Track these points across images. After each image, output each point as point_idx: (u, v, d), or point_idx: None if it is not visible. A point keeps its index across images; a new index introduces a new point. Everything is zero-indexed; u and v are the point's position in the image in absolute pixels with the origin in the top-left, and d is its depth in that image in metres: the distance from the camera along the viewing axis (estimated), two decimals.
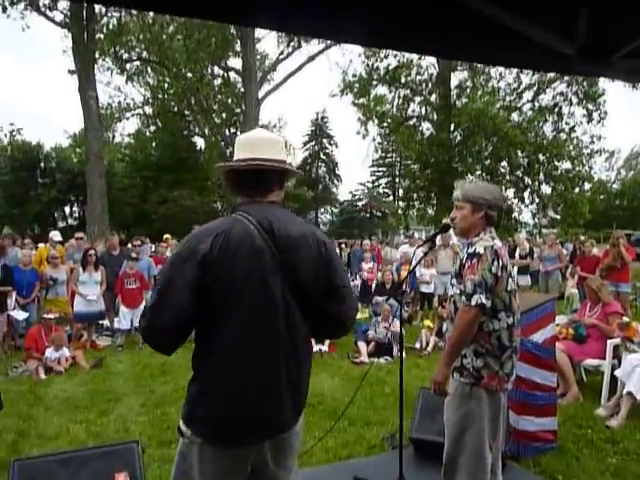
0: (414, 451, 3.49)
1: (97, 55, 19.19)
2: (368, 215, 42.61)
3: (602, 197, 40.68)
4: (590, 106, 19.61)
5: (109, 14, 18.85)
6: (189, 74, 20.16)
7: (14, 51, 67.95)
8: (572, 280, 10.02)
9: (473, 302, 2.11)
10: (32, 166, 27.31)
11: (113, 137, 28.71)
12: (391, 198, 43.86)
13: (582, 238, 17.58)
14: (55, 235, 9.54)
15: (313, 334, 1.71)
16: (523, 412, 3.37)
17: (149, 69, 22.72)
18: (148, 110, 25.65)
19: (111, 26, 18.99)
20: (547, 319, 3.53)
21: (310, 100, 71.84)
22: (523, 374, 3.34)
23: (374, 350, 6.56)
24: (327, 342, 6.87)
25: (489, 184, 2.39)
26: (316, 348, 6.72)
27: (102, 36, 18.73)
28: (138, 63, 22.35)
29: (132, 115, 25.47)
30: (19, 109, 56.70)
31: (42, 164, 27.95)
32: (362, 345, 6.61)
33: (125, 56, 21.43)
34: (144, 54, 21.61)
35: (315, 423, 4.12)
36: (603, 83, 19.03)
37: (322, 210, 45.95)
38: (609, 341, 4.61)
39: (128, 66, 22.14)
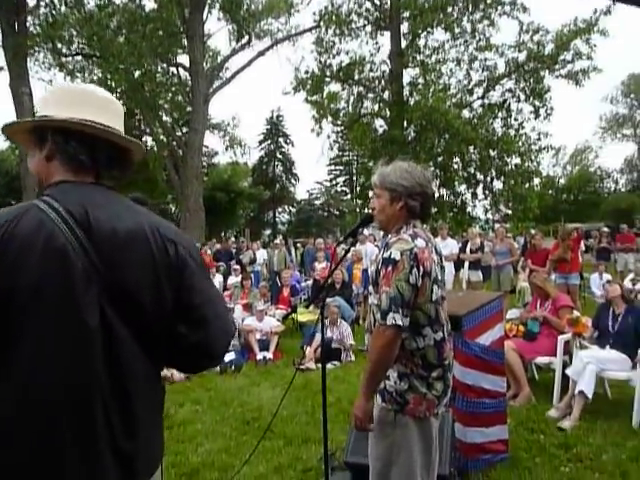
0: (351, 478, 3.06)
1: (32, 49, 18.07)
2: (326, 214, 42.42)
3: (550, 192, 41.95)
4: (537, 102, 19.99)
5: (42, 4, 17.72)
6: (133, 69, 19.24)
7: None
8: (523, 273, 9.99)
9: (389, 321, 1.72)
10: None
11: None
12: (349, 196, 43.84)
13: (533, 232, 17.93)
14: None
15: (171, 365, 1.29)
16: (471, 423, 3.06)
17: (92, 65, 21.57)
18: None
19: (47, 17, 17.87)
20: (494, 319, 3.24)
21: (264, 99, 70.99)
22: (470, 381, 3.04)
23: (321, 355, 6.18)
24: (272, 348, 6.45)
25: (412, 166, 1.92)
26: (260, 356, 6.31)
27: (37, 28, 17.62)
28: (80, 58, 21.19)
29: None
30: None
31: None
32: (309, 350, 6.22)
33: (65, 51, 20.29)
34: (86, 49, 20.52)
35: (247, 443, 3.70)
36: (548, 80, 19.48)
37: (280, 210, 45.46)
38: (560, 337, 4.41)
39: (69, 61, 20.99)
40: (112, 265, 1.07)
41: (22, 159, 16.71)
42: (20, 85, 16.51)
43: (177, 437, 3.90)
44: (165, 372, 4.62)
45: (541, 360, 4.56)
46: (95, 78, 21.62)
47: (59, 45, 19.82)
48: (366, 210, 24.79)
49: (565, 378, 4.23)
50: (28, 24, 17.54)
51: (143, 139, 28.53)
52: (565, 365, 4.42)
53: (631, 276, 10.40)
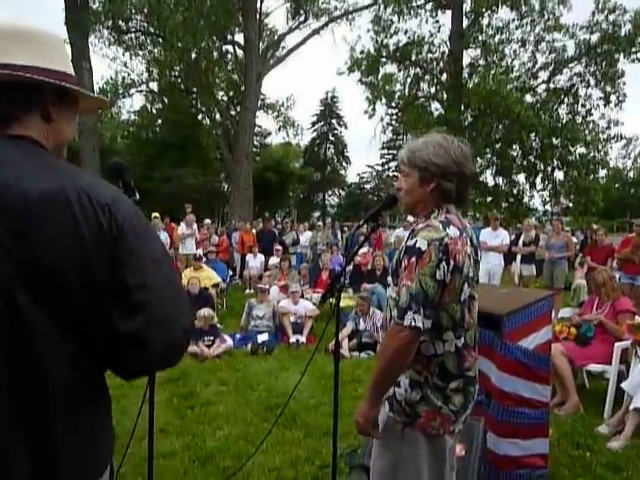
0: None
1: (93, 25, 18.55)
2: (376, 198, 41.80)
3: (617, 185, 39.44)
4: (608, 88, 18.63)
5: None
6: (190, 47, 19.39)
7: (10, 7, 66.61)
8: (581, 270, 9.34)
9: (406, 321, 1.46)
10: None
11: (117, 114, 28.02)
12: None
13: (594, 227, 16.82)
14: None
15: (106, 366, 1.01)
16: (506, 433, 2.76)
17: (148, 42, 21.93)
18: (154, 87, 24.95)
19: None
20: (542, 321, 2.89)
21: (319, 80, 70.45)
22: (507, 388, 2.73)
23: (356, 345, 5.96)
24: (305, 332, 6.30)
25: (448, 140, 1.60)
26: (293, 339, 6.18)
27: (98, 5, 18.04)
28: (136, 35, 21.59)
29: (137, 91, 24.73)
30: None
31: None
32: (344, 337, 6.02)
33: (124, 27, 20.73)
34: (144, 26, 20.88)
35: (266, 431, 3.53)
36: (623, 64, 18.02)
37: (329, 192, 45.24)
38: (617, 344, 3.97)
39: (127, 38, 21.44)
40: (23, 238, 0.86)
41: (81, 132, 17.28)
42: (81, 60, 16.98)
43: (198, 418, 3.82)
44: (194, 348, 4.53)
45: (593, 368, 4.13)
46: (151, 55, 22.06)
47: (119, 22, 20.26)
48: None
49: (619, 390, 3.81)
50: (90, 0, 17.94)
51: (199, 117, 29.04)
52: (620, 375, 3.99)
53: None
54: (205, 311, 5.89)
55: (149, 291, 0.94)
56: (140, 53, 22.33)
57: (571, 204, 21.55)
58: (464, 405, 1.61)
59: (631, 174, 45.22)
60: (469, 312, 1.60)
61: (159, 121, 31.36)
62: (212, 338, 5.73)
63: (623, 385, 3.63)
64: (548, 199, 21.46)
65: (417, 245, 1.49)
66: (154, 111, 30.17)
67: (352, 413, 3.85)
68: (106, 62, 21.98)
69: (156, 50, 21.83)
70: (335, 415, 2.46)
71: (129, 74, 22.67)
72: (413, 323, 1.44)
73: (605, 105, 18.76)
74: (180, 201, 23.33)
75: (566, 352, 4.08)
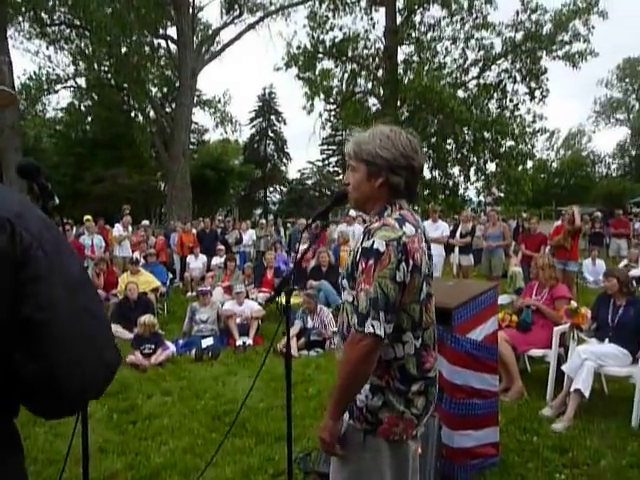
0: None
1: (12, 17, 17.29)
2: (317, 194, 41.93)
3: (543, 175, 41.77)
4: (533, 84, 19.62)
5: None
6: (120, 41, 18.47)
7: None
8: (515, 258, 9.75)
9: (367, 329, 1.36)
10: None
11: (42, 111, 26.29)
12: (341, 177, 43.33)
13: (524, 215, 17.69)
14: None
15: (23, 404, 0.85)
16: (459, 426, 2.77)
17: (74, 35, 20.70)
18: (82, 82, 23.58)
19: None
20: (489, 311, 2.93)
21: (256, 76, 69.59)
22: (459, 381, 2.74)
23: (305, 343, 5.87)
24: (252, 333, 6.14)
25: (395, 132, 1.52)
26: (239, 341, 6.00)
27: None
28: (63, 27, 20.32)
29: (63, 87, 23.28)
30: None
31: None
32: (292, 336, 5.91)
33: (47, 20, 19.44)
34: (68, 18, 19.67)
35: (215, 442, 3.39)
36: (545, 62, 19.05)
37: (271, 189, 44.89)
38: (555, 328, 4.12)
39: (54, 31, 20.14)
40: None
41: (2, 131, 16.06)
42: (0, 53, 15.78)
43: (140, 434, 3.58)
44: (132, 358, 4.24)
45: (535, 352, 4.28)
46: (78, 49, 20.86)
47: (41, 14, 19.00)
48: None
49: (560, 372, 3.96)
50: None
51: (132, 115, 27.80)
52: (560, 358, 4.15)
53: (624, 262, 10.19)
54: (146, 318, 5.60)
55: (58, 327, 0.78)
56: (65, 47, 21.07)
57: (502, 194, 22.56)
58: (426, 407, 1.55)
59: (555, 165, 48.03)
60: (427, 311, 1.54)
61: (89, 119, 29.79)
62: (153, 346, 5.45)
63: (563, 367, 3.77)
64: (481, 190, 22.37)
65: (375, 246, 1.39)
66: (82, 108, 28.62)
67: (304, 415, 3.78)
68: (28, 57, 20.59)
69: (82, 43, 20.65)
70: (289, 420, 2.36)
71: (54, 69, 21.34)
72: (373, 330, 1.35)
73: (531, 100, 19.74)
74: (114, 202, 22.29)
75: (509, 339, 4.19)
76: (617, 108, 47.60)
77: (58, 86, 22.53)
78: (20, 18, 18.92)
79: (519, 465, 3.01)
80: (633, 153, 46.33)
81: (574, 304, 4.30)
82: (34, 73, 20.91)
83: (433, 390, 1.57)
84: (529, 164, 22.33)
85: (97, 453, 3.24)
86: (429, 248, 1.59)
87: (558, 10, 18.35)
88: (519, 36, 19.01)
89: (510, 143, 20.00)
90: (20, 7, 17.18)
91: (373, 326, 1.35)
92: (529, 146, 20.50)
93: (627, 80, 46.27)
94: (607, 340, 3.89)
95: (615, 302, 3.96)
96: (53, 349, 0.77)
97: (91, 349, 0.84)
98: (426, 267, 1.50)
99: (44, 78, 21.29)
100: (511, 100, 20.22)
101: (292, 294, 2.20)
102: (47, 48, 20.24)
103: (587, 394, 3.50)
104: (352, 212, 10.39)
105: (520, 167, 20.34)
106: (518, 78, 19.78)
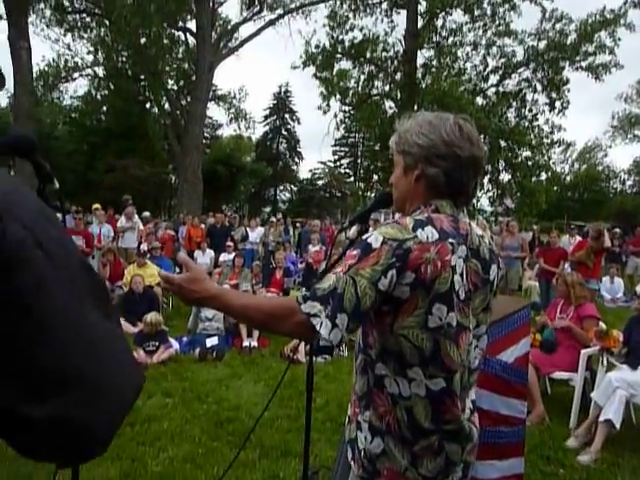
0: None
1: (33, 3, 17.27)
2: (327, 195, 41.73)
3: (556, 188, 41.30)
4: (553, 94, 19.32)
5: None
6: (139, 32, 18.38)
7: None
8: (531, 271, 9.49)
9: (305, 308, 1.10)
10: None
11: (59, 98, 26.29)
12: (352, 179, 43.15)
13: (535, 227, 17.39)
14: None
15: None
16: (483, 455, 2.52)
17: (94, 24, 20.66)
18: (99, 71, 23.57)
19: None
20: (521, 331, 2.70)
21: (272, 73, 69.54)
22: (486, 406, 2.50)
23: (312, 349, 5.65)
24: (256, 334, 5.93)
25: (441, 118, 1.25)
26: (245, 342, 5.80)
27: None
28: (81, 16, 20.29)
29: (80, 76, 23.25)
30: None
31: None
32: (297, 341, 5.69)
33: (68, 7, 19.42)
34: (89, 6, 19.64)
35: (217, 451, 3.19)
36: (567, 72, 18.72)
37: (281, 188, 44.73)
38: (583, 351, 3.88)
39: (71, 19, 20.12)
40: None
41: (16, 117, 16.02)
42: (19, 39, 15.73)
43: (138, 438, 3.39)
44: (134, 355, 4.09)
45: (560, 375, 4.04)
46: (97, 38, 20.81)
47: (64, 1, 18.99)
48: (369, 194, 24.03)
49: (584, 397, 3.72)
50: None
51: (147, 106, 27.74)
52: (585, 383, 3.91)
53: None
54: (152, 316, 5.40)
55: (68, 351, 0.56)
56: (85, 35, 21.04)
57: (513, 205, 22.26)
58: (444, 470, 1.22)
59: (568, 178, 47.49)
60: (458, 347, 1.20)
61: (104, 108, 29.77)
62: (157, 343, 5.26)
63: (593, 395, 3.52)
64: (493, 200, 22.08)
65: (369, 240, 1.15)
66: (99, 97, 28.62)
67: (311, 429, 3.55)
68: (48, 44, 20.54)
69: (102, 32, 20.59)
70: (307, 436, 2.17)
71: (72, 57, 21.32)
72: (314, 325, 1.09)
73: (550, 111, 19.43)
74: (124, 192, 22.19)
75: (532, 360, 3.95)
76: (635, 124, 46.95)
77: (76, 74, 22.55)
78: (42, 5, 18.93)
79: None
80: None
81: (603, 326, 4.05)
82: (52, 60, 20.92)
83: (455, 448, 1.23)
84: (543, 176, 22.04)
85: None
86: (484, 269, 1.27)
87: (584, 20, 18.01)
88: (542, 45, 18.72)
89: (527, 153, 19.74)
90: None
91: (321, 324, 1.08)
92: (546, 157, 20.23)
93: None
94: None
95: None
96: (65, 382, 0.56)
97: (116, 372, 0.63)
98: (453, 287, 1.17)
99: (62, 65, 21.29)
100: (530, 110, 19.92)
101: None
102: (65, 35, 20.19)
103: (618, 425, 3.26)
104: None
105: (534, 178, 20.06)
106: (539, 88, 19.49)
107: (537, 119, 19.89)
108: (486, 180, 21.13)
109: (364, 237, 1.18)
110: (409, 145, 1.25)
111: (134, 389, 0.66)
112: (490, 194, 21.52)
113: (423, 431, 1.19)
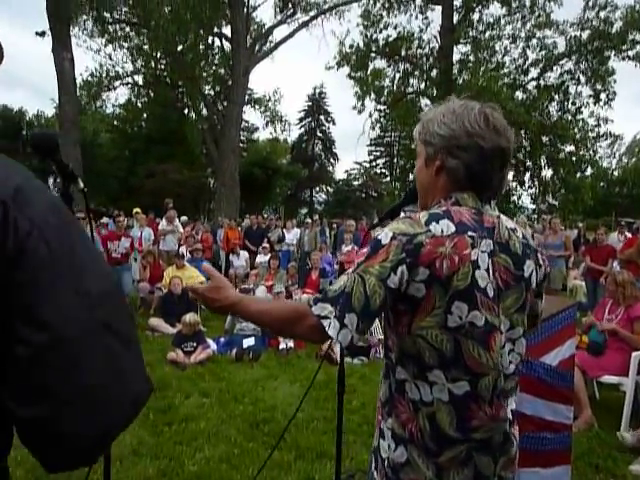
0: None
1: (76, 15, 17.95)
2: (364, 195, 41.52)
3: (602, 184, 39.68)
4: (598, 86, 18.52)
5: None
6: (176, 39, 18.84)
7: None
8: (576, 270, 9.13)
9: (316, 310, 1.07)
10: (13, 134, 26.09)
11: (102, 107, 27.28)
12: (388, 179, 42.83)
13: (580, 225, 16.71)
14: None
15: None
16: (526, 463, 2.41)
17: (133, 33, 21.31)
18: (139, 80, 24.33)
19: None
20: (566, 332, 2.56)
21: (307, 75, 69.86)
22: (529, 411, 2.40)
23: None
24: None
25: (466, 106, 1.17)
26: (283, 344, 5.79)
27: None
28: (121, 26, 20.96)
29: (121, 84, 24.04)
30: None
31: (24, 132, 26.74)
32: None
33: (108, 18, 20.11)
34: (127, 16, 20.29)
35: (252, 452, 3.18)
36: (613, 62, 17.90)
37: (317, 189, 44.84)
38: (634, 354, 3.67)
39: (111, 29, 20.82)
40: None
41: (62, 125, 16.68)
42: (62, 50, 16.41)
43: (176, 437, 3.43)
44: (173, 355, 4.10)
45: (609, 379, 3.83)
46: (136, 47, 21.44)
47: (104, 12, 19.66)
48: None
49: (637, 402, 3.51)
50: None
51: (185, 112, 28.41)
52: (636, 386, 3.70)
53: None
54: (190, 317, 5.48)
55: (66, 352, 0.55)
56: (125, 45, 21.74)
57: (556, 202, 21.48)
58: None
59: (616, 173, 45.53)
60: (488, 349, 1.11)
61: (144, 115, 30.67)
62: (195, 344, 5.33)
63: None
64: (535, 197, 21.40)
65: (379, 236, 1.11)
66: (139, 105, 29.50)
67: (347, 430, 3.49)
68: (90, 55, 21.43)
69: (139, 40, 21.22)
70: (339, 438, 2.12)
71: (113, 66, 22.06)
72: (323, 327, 1.05)
73: (595, 103, 18.64)
74: (164, 197, 22.78)
75: (579, 362, 3.77)
76: None
77: (117, 83, 23.30)
78: (84, 17, 19.67)
79: None
80: None
81: None
82: (95, 70, 21.70)
83: (486, 461, 1.13)
84: (589, 171, 21.19)
85: (131, 456, 3.10)
86: (517, 265, 1.18)
87: (631, 6, 17.18)
88: (585, 35, 17.99)
89: (570, 148, 19.03)
90: (85, 6, 17.78)
91: (330, 325, 1.04)
92: (591, 152, 19.44)
93: None
94: None
95: None
96: (59, 384, 0.54)
97: (114, 381, 0.61)
98: (475, 283, 1.09)
99: (104, 75, 22.05)
100: (573, 103, 19.17)
101: None
102: (105, 45, 20.89)
103: None
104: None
105: (579, 174, 19.32)
106: (582, 79, 18.74)
107: (581, 112, 19.14)
108: (527, 177, 20.56)
109: (375, 234, 1.13)
110: (430, 135, 1.20)
111: (135, 402, 0.64)
112: (532, 191, 20.93)
113: (448, 440, 1.12)
